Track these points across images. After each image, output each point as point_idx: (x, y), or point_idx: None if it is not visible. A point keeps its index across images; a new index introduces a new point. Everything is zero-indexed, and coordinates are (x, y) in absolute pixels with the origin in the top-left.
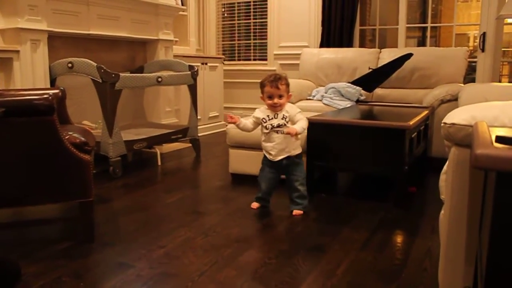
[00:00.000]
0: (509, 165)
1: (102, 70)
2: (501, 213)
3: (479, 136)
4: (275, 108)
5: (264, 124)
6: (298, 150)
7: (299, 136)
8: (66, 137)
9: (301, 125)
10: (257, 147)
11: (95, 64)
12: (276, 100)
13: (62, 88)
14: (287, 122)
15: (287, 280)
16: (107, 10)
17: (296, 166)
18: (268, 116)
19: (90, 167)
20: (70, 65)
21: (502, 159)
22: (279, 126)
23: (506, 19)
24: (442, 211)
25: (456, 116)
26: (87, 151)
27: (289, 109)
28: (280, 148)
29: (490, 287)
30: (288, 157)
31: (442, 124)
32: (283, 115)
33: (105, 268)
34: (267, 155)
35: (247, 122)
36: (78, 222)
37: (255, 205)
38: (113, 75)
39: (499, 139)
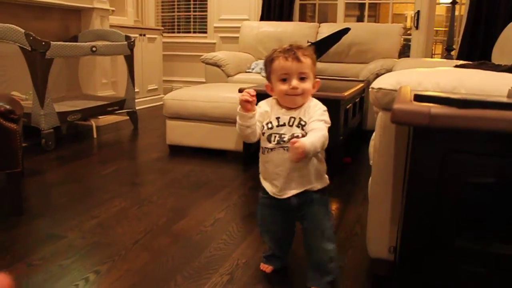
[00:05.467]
0: (422, 119)
1: (31, 38)
2: (417, 166)
3: (400, 96)
4: (293, 100)
5: (266, 132)
6: (322, 182)
7: (309, 157)
8: None
9: (314, 138)
10: (193, 117)
11: (23, 31)
12: (295, 83)
13: None
14: (306, 133)
15: (221, 247)
16: None
17: (316, 207)
18: (277, 118)
19: (17, 136)
20: None
21: (416, 113)
22: (292, 139)
23: None
24: (371, 177)
25: (383, 82)
26: (13, 119)
27: (312, 107)
28: (289, 177)
29: (407, 235)
30: (302, 194)
31: (370, 89)
32: (300, 120)
33: (34, 240)
34: (267, 187)
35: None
36: (6, 194)
37: (266, 268)
38: (44, 43)
39: (417, 97)
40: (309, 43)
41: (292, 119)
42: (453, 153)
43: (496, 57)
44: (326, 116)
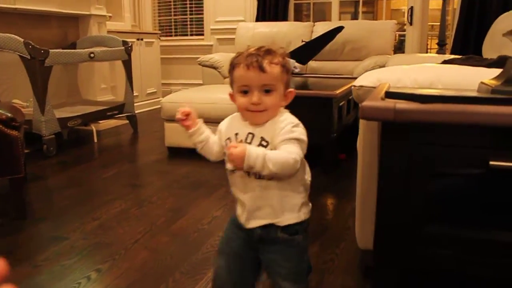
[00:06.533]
0: (388, 114)
1: (30, 46)
2: (386, 159)
3: (373, 94)
4: (254, 117)
5: (226, 152)
6: (294, 217)
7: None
8: None
9: (271, 155)
10: None
11: (22, 40)
12: (256, 98)
13: None
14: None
15: (218, 243)
16: None
17: (282, 248)
18: (236, 134)
19: (19, 143)
20: None
21: (382, 109)
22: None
23: None
24: (357, 172)
25: (364, 79)
26: (15, 127)
27: (278, 123)
28: (255, 205)
29: (381, 225)
30: (268, 226)
31: (352, 88)
32: (262, 139)
33: (38, 242)
34: (237, 210)
35: (212, 138)
36: (9, 199)
37: None
38: (42, 51)
39: (388, 94)
40: (304, 42)
41: (251, 136)
42: (418, 146)
43: (487, 51)
44: (298, 132)
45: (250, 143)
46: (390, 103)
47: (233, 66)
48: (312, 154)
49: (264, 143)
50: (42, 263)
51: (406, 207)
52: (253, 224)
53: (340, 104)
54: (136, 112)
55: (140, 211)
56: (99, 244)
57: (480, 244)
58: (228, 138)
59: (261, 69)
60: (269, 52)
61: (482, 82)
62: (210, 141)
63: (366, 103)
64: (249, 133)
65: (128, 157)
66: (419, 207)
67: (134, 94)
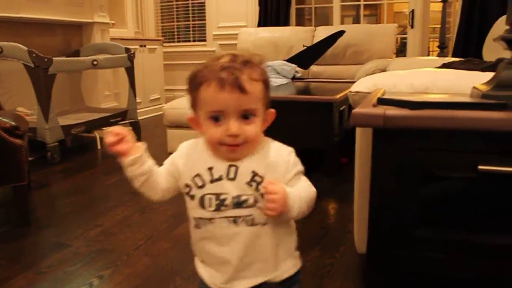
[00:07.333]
0: (378, 121)
1: (34, 55)
2: (378, 164)
3: (365, 100)
4: (231, 152)
5: (197, 193)
6: (291, 266)
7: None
8: None
9: (303, 192)
10: None
11: (26, 48)
12: (235, 128)
13: None
14: (261, 194)
15: None
16: None
17: None
18: (210, 169)
19: (22, 151)
20: None
21: (373, 116)
22: (239, 203)
23: None
24: (355, 176)
25: (360, 85)
26: (18, 135)
27: (276, 155)
28: (242, 262)
29: (374, 228)
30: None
31: (348, 93)
32: (254, 174)
33: (41, 249)
34: (205, 276)
35: (156, 171)
36: (13, 207)
37: None
38: (46, 60)
39: (380, 100)
40: (305, 47)
41: (233, 169)
42: (409, 151)
43: (487, 54)
44: (299, 163)
45: (233, 179)
46: (380, 109)
47: (197, 83)
48: (315, 158)
49: (258, 179)
50: (46, 270)
51: (397, 211)
52: (239, 287)
53: (341, 108)
54: (139, 118)
55: (142, 218)
56: (101, 250)
57: (470, 247)
58: (197, 175)
59: (241, 89)
60: (247, 63)
61: (474, 87)
62: (154, 174)
63: (357, 110)
64: (231, 165)
65: None
66: (410, 211)
67: (137, 101)
